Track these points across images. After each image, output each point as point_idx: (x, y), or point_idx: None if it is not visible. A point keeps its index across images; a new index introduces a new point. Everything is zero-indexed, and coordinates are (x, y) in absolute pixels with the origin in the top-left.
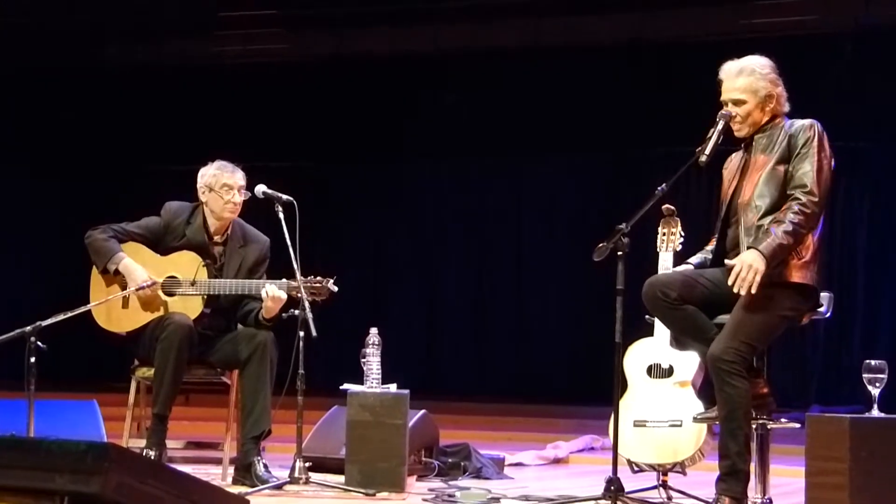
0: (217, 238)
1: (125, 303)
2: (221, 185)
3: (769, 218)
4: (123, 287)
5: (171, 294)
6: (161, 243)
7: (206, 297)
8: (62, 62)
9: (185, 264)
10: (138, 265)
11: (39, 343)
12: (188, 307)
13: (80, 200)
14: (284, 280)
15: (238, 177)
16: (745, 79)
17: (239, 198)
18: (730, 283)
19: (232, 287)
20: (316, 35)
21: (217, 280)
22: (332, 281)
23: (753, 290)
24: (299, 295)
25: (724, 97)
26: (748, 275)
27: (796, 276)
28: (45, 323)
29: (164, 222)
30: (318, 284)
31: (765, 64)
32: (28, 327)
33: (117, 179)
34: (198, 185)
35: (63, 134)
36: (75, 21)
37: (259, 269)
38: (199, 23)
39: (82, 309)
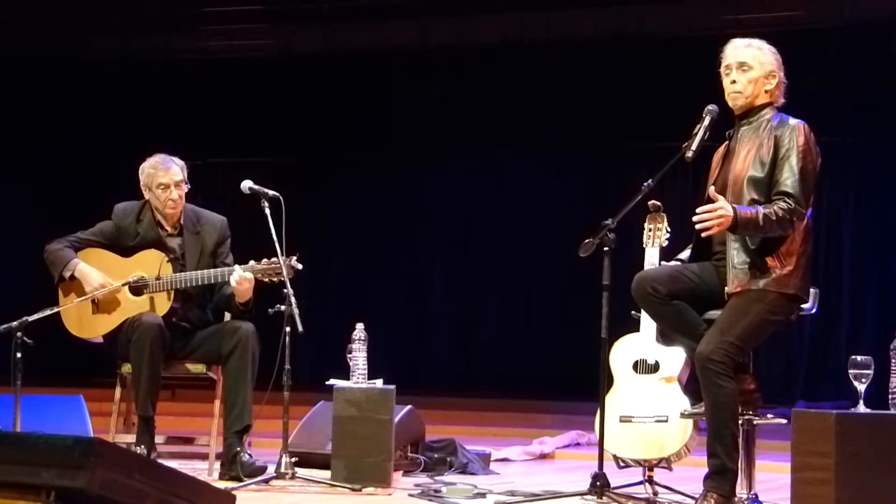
0: (171, 230)
1: (94, 308)
2: (157, 184)
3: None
4: (83, 293)
5: (139, 293)
6: (117, 246)
7: (172, 292)
8: (46, 56)
9: (150, 262)
10: (93, 269)
11: (26, 338)
12: (156, 304)
13: (65, 194)
14: (251, 262)
15: (173, 172)
16: (755, 50)
17: (177, 193)
18: (696, 215)
19: (197, 279)
20: (301, 30)
21: (182, 274)
22: (294, 258)
23: (703, 234)
24: (266, 280)
25: (728, 62)
26: (713, 221)
27: (780, 287)
28: (31, 318)
29: (115, 225)
30: (280, 265)
31: (772, 47)
32: (14, 322)
33: (101, 174)
34: (140, 183)
35: (47, 129)
36: (59, 14)
37: (222, 251)
38: (185, 17)
39: (50, 311)
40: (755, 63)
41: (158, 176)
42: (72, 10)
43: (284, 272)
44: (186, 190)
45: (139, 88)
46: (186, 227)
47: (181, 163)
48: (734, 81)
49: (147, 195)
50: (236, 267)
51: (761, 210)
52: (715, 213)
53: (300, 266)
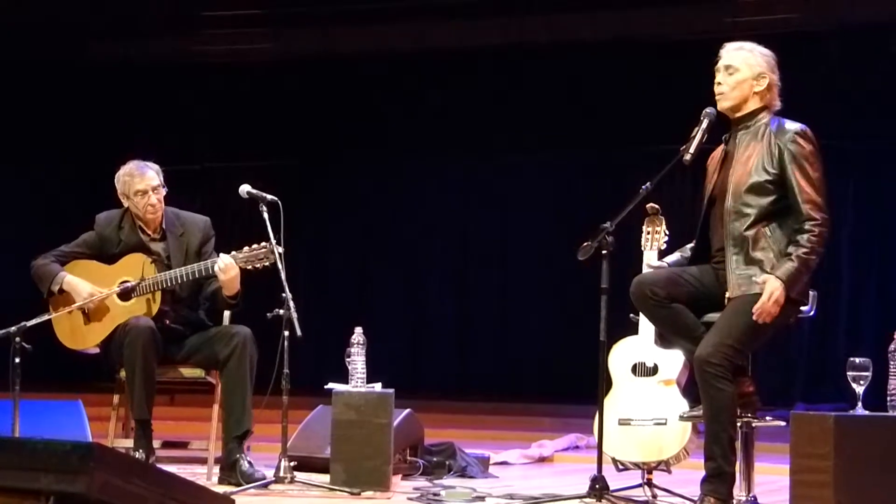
0: (154, 235)
1: (85, 319)
2: (134, 191)
3: (755, 230)
4: (72, 305)
5: (127, 298)
6: (102, 255)
7: (160, 292)
8: (47, 59)
9: (134, 266)
10: (80, 279)
11: (24, 343)
12: (146, 307)
13: (64, 198)
14: (234, 252)
15: (149, 177)
16: (745, 53)
17: (155, 198)
18: (754, 314)
19: (183, 275)
20: (300, 34)
21: (165, 273)
22: (274, 242)
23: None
24: (250, 267)
25: (718, 64)
26: (772, 308)
27: (791, 293)
28: (29, 323)
29: (97, 234)
30: (263, 250)
31: (767, 51)
32: (13, 328)
33: (101, 177)
34: (118, 192)
35: (46, 131)
36: (60, 17)
37: (206, 250)
38: (184, 21)
39: (47, 316)
40: (742, 65)
41: (135, 183)
42: (71, 13)
43: (277, 256)
44: (164, 193)
45: (138, 92)
46: (169, 231)
47: (156, 167)
48: (719, 83)
49: (126, 203)
50: (221, 255)
51: (799, 253)
52: (770, 300)
53: (281, 249)
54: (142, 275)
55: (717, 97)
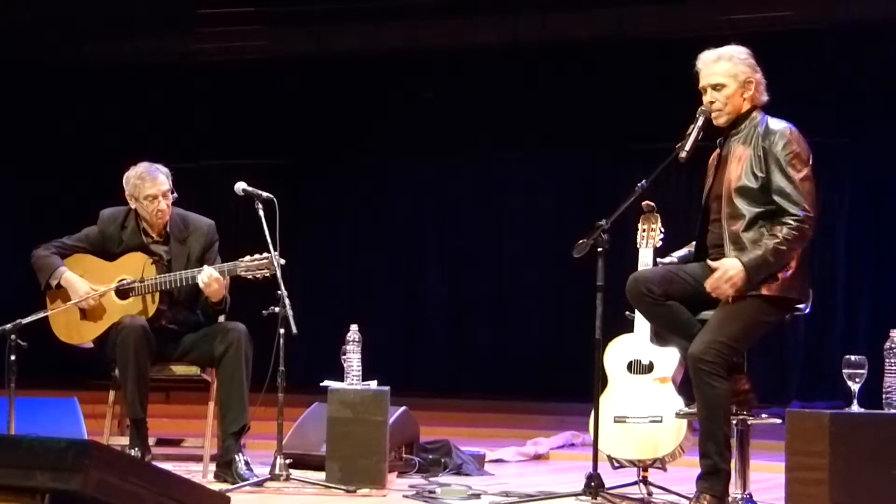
0: (157, 237)
1: (81, 315)
2: (144, 196)
3: (753, 231)
4: (69, 301)
5: (125, 297)
6: (103, 252)
7: (157, 294)
8: (43, 59)
9: (134, 265)
10: (78, 277)
11: (20, 341)
12: (143, 307)
13: (58, 197)
14: (234, 262)
15: (160, 182)
16: (725, 63)
17: (164, 203)
18: (707, 286)
19: (175, 280)
20: (294, 32)
21: (164, 276)
22: (276, 254)
23: (725, 298)
24: (250, 276)
25: (703, 83)
26: (725, 287)
27: (783, 291)
28: (25, 320)
29: (100, 231)
30: (264, 260)
31: (742, 50)
32: (8, 325)
33: (95, 176)
34: (126, 193)
35: (41, 130)
36: (56, 18)
37: (209, 256)
38: (178, 20)
39: (43, 314)
40: (727, 79)
41: (145, 187)
42: (67, 14)
43: (277, 268)
44: (174, 198)
45: (134, 91)
46: (172, 234)
47: (166, 170)
48: (712, 102)
49: (133, 204)
50: (205, 267)
51: (769, 245)
52: (724, 277)
53: (283, 260)
54: (142, 275)
55: (713, 115)
